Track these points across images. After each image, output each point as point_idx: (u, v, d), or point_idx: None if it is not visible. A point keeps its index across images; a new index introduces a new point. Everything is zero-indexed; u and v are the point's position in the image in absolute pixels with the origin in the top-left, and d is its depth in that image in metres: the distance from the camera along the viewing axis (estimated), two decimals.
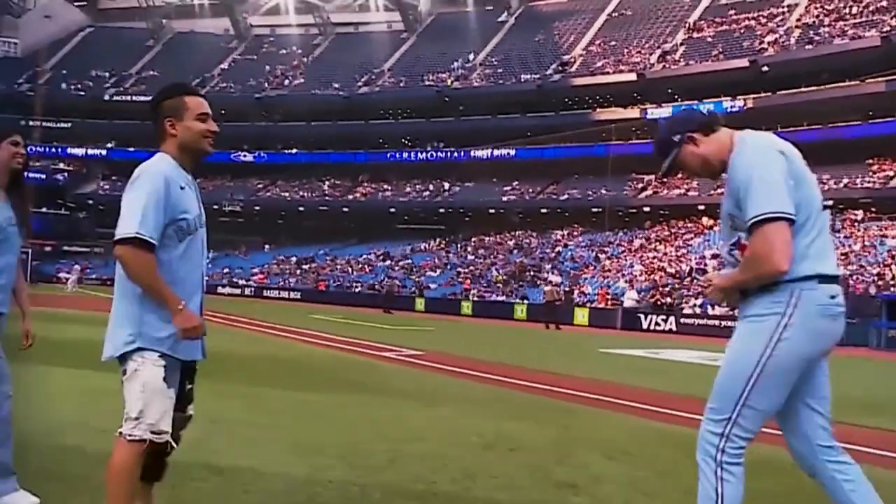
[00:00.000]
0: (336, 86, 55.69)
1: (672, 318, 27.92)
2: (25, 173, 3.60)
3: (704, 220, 39.83)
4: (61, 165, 58.83)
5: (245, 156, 55.13)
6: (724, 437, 2.58)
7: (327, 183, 56.31)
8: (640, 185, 44.76)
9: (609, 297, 32.74)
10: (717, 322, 26.77)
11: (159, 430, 2.69)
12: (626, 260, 38.36)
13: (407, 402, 7.29)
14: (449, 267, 44.35)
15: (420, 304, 36.91)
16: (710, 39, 45.91)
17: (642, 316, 28.95)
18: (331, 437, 5.27)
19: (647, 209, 43.71)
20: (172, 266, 2.72)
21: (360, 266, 47.71)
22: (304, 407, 6.66)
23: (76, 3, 67.74)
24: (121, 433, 2.70)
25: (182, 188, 2.75)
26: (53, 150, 57.47)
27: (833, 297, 2.59)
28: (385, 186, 54.40)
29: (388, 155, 54.50)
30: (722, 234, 2.79)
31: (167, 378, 2.71)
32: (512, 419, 6.51)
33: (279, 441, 4.99)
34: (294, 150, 57.24)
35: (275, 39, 64.96)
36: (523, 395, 8.41)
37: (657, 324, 27.99)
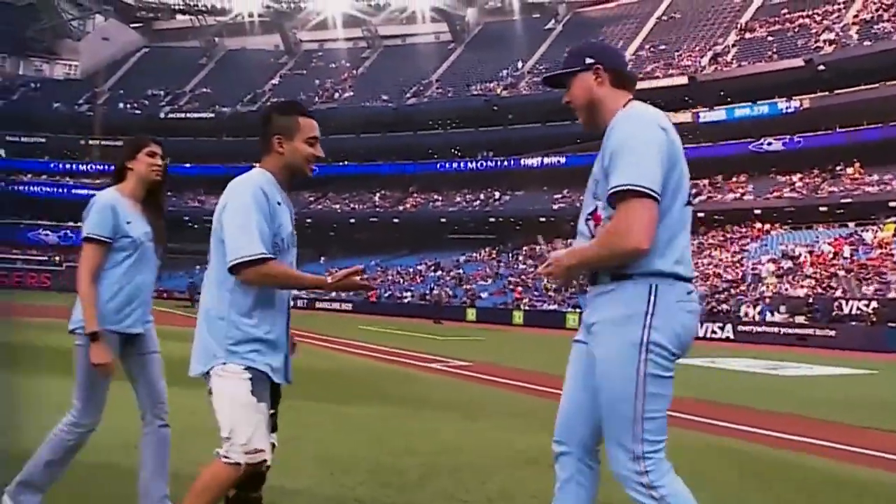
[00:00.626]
0: (385, 97, 56.00)
1: (729, 326, 27.21)
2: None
3: (759, 224, 38.82)
4: None
5: None
6: (639, 459, 2.38)
7: (378, 194, 56.60)
8: (694, 191, 43.84)
9: None
10: (776, 329, 26.00)
11: (253, 449, 2.55)
12: None
13: (445, 414, 7.11)
14: (500, 276, 44.06)
15: (471, 314, 36.74)
16: (763, 40, 44.85)
17: (698, 324, 28.29)
18: (362, 451, 5.12)
19: (701, 214, 42.76)
20: None
21: (411, 277, 47.73)
22: (338, 419, 6.53)
23: (132, 25, 69.52)
24: (218, 453, 2.58)
25: (279, 203, 2.68)
26: (112, 167, 58.73)
27: (689, 292, 2.47)
28: (435, 197, 54.44)
29: (438, 165, 54.55)
30: (584, 203, 2.56)
31: (255, 392, 2.59)
32: None
33: (307, 455, 4.86)
34: (345, 163, 57.59)
35: (324, 54, 65.68)
36: None
37: (713, 332, 27.28)
